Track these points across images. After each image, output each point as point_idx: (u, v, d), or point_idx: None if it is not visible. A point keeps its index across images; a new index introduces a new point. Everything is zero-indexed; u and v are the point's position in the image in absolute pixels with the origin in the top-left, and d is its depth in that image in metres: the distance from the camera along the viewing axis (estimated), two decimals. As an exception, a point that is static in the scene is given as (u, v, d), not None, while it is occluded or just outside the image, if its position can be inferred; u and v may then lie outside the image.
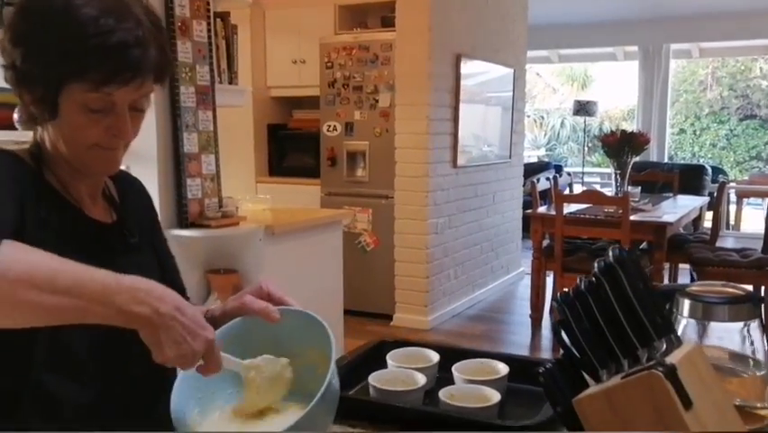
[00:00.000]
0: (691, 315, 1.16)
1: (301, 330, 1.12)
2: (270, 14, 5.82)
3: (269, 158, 6.00)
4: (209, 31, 3.15)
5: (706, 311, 1.15)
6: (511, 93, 6.08)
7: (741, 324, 1.16)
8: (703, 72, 13.37)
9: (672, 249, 4.88)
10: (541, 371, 0.98)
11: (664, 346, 0.95)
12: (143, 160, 3.00)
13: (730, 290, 1.19)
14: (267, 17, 5.84)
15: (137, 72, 1.14)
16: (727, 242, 5.28)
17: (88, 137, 1.16)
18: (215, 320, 1.19)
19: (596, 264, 0.99)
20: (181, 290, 1.45)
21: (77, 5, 1.11)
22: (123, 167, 1.37)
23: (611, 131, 5.08)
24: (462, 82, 5.18)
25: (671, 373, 0.87)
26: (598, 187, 9.76)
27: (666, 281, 5.48)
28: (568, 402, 0.96)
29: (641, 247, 5.08)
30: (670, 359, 0.91)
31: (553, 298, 4.38)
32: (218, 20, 3.31)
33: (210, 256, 3.22)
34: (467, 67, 5.23)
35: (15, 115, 2.92)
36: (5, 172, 1.14)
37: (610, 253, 0.98)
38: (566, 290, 1.02)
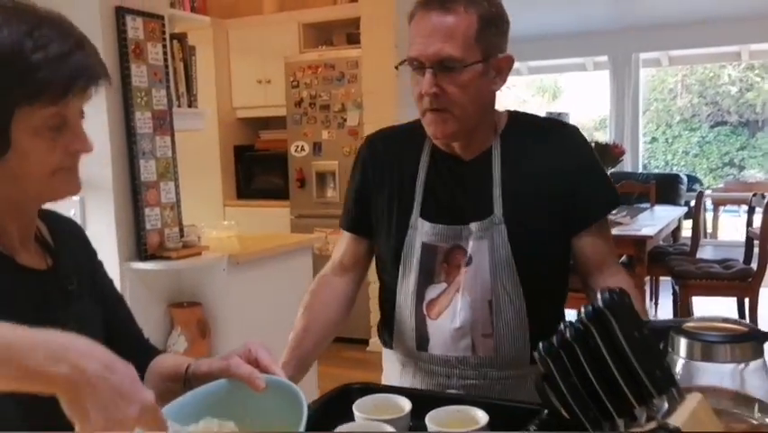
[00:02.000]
0: (689, 356, 1.04)
1: (279, 402, 1.05)
2: (234, 34, 5.69)
3: (237, 180, 5.85)
4: (165, 53, 3.00)
5: (705, 351, 1.03)
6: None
7: (745, 364, 1.05)
8: (672, 80, 13.43)
9: (652, 262, 4.80)
10: (525, 436, 0.85)
11: (666, 405, 0.82)
12: (98, 190, 2.84)
13: (730, 325, 1.07)
14: (230, 37, 5.71)
15: (91, 77, 1.07)
16: (706, 251, 5.22)
17: (51, 162, 1.07)
18: (198, 376, 1.15)
19: (583, 309, 0.86)
20: (135, 336, 1.36)
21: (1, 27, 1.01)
22: (76, 198, 1.26)
23: (585, 143, 5.00)
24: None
25: (676, 438, 0.75)
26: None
27: (648, 296, 5.40)
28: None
29: (621, 261, 4.99)
30: (674, 420, 0.79)
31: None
32: (175, 41, 3.18)
33: (172, 289, 3.06)
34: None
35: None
36: None
37: (599, 297, 0.85)
38: (551, 338, 0.89)
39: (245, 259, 3.08)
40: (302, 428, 0.92)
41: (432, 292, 1.56)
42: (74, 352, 0.81)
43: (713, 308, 4.87)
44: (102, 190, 2.83)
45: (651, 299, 5.51)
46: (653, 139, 13.54)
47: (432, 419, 1.24)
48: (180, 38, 3.21)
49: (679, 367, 1.06)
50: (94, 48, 1.11)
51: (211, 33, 5.40)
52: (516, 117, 1.61)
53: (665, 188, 7.43)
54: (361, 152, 1.70)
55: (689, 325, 1.07)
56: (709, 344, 1.02)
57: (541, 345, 0.87)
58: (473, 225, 1.51)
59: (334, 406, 1.36)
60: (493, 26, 1.47)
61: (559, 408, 0.86)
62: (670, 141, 13.58)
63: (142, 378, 1.25)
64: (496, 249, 1.50)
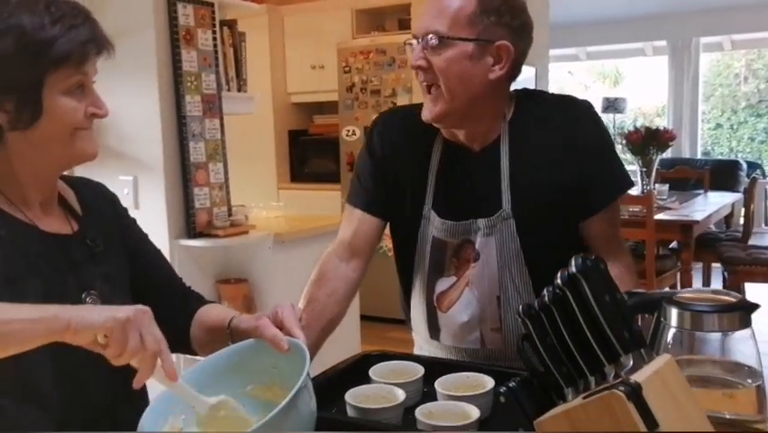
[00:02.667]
0: (679, 324, 1.08)
1: (297, 363, 1.10)
2: (289, 20, 5.80)
3: (291, 164, 5.98)
4: (215, 39, 3.13)
5: (695, 320, 1.07)
6: (533, 92, 5.96)
7: (733, 333, 1.09)
8: (738, 65, 13.03)
9: (702, 248, 4.74)
10: (502, 390, 0.92)
11: (631, 363, 0.88)
12: (150, 170, 2.99)
13: (721, 297, 1.11)
14: (285, 23, 5.82)
15: (102, 43, 1.21)
16: (763, 239, 5.10)
17: (73, 122, 1.19)
18: (238, 333, 1.24)
19: (559, 274, 0.92)
20: (176, 287, 1.46)
21: (21, 12, 1.14)
22: (129, 177, 1.38)
23: (635, 128, 4.95)
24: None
25: (634, 392, 0.80)
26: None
27: (698, 283, 5.32)
28: (531, 424, 0.90)
29: (670, 247, 4.94)
30: (637, 376, 0.84)
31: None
32: (225, 28, 3.29)
33: (219, 266, 3.20)
34: (486, 67, 5.15)
35: None
36: None
37: (572, 263, 0.91)
38: (531, 302, 0.96)
39: (290, 238, 3.19)
40: (301, 378, 0.98)
41: (442, 285, 1.59)
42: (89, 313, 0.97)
43: (765, 294, 4.78)
44: (153, 171, 2.97)
45: (702, 286, 5.44)
46: (718, 125, 13.18)
47: (441, 384, 1.32)
48: (230, 24, 3.33)
49: (670, 336, 1.11)
50: (96, 21, 1.24)
51: (266, 20, 5.52)
52: (523, 101, 1.58)
53: (723, 175, 7.26)
54: (376, 129, 1.68)
55: (680, 295, 1.12)
56: (699, 313, 1.07)
57: (521, 307, 0.94)
58: (481, 222, 1.52)
59: (354, 371, 1.43)
60: (494, 15, 1.45)
61: (536, 365, 0.93)
62: (735, 127, 13.20)
63: (187, 326, 1.36)
64: (504, 244, 1.51)
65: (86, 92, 1.21)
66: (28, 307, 0.97)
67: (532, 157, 1.51)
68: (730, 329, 1.08)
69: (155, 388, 1.30)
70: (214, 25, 3.11)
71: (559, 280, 0.92)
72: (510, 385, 0.92)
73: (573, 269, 0.90)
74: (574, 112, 1.55)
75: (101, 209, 1.38)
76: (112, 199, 1.43)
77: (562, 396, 0.92)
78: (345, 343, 1.46)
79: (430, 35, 1.45)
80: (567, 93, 1.63)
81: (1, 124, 1.16)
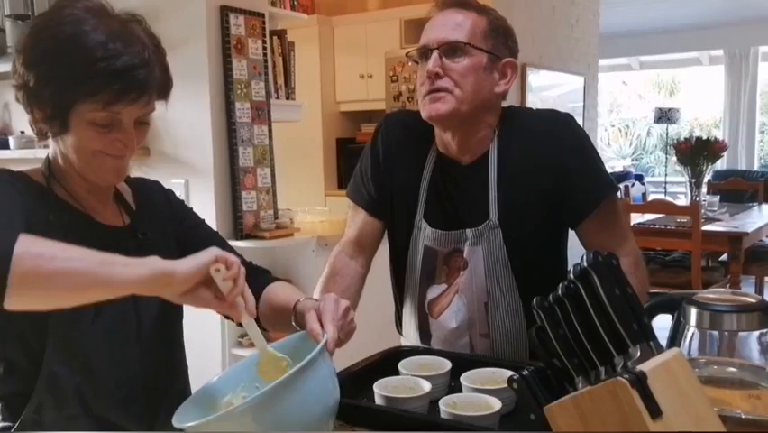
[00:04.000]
0: (698, 324, 1.11)
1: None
2: (339, 31, 5.90)
3: (338, 171, 6.07)
4: (264, 48, 3.23)
5: (713, 320, 1.10)
6: (582, 103, 5.95)
7: (753, 333, 1.11)
8: (799, 75, 12.70)
9: (755, 261, 4.66)
10: (515, 378, 0.96)
11: (638, 354, 0.91)
12: (201, 173, 3.10)
13: (742, 297, 1.13)
14: (336, 34, 5.92)
15: (143, 92, 1.22)
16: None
17: (94, 146, 1.24)
18: (301, 317, 1.28)
19: (571, 269, 0.96)
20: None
21: (86, 32, 1.18)
22: (181, 180, 1.45)
23: (685, 138, 4.90)
24: (529, 93, 5.12)
25: (638, 380, 0.84)
26: (681, 197, 9.41)
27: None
28: (542, 410, 0.93)
29: (720, 259, 4.86)
30: (644, 367, 0.88)
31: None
32: (275, 38, 3.40)
33: (265, 266, 3.27)
34: (534, 77, 5.17)
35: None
36: (9, 187, 1.22)
37: (584, 258, 0.95)
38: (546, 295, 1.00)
39: (333, 240, 3.24)
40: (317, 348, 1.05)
41: (433, 292, 1.65)
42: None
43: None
44: (204, 174, 3.08)
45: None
46: (777, 137, 12.86)
47: (466, 377, 1.36)
48: (280, 34, 3.44)
49: (689, 336, 1.13)
50: (162, 67, 1.27)
51: (317, 30, 5.63)
52: (510, 115, 1.65)
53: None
54: (381, 129, 1.74)
55: (700, 296, 1.14)
56: (718, 313, 1.09)
57: (536, 300, 0.98)
58: (469, 232, 1.58)
59: (385, 364, 1.49)
60: (501, 34, 1.58)
61: (549, 356, 0.97)
62: (795, 139, 12.86)
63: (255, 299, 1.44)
64: (491, 252, 1.56)
65: (116, 128, 1.23)
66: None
67: (518, 169, 1.58)
68: (749, 329, 1.10)
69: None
70: (264, 35, 3.22)
71: (572, 274, 0.96)
72: (523, 373, 0.96)
73: (585, 263, 0.94)
74: (555, 124, 1.61)
75: (156, 205, 1.46)
76: (166, 194, 1.51)
77: (573, 385, 0.95)
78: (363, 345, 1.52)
79: (449, 43, 1.53)
80: (621, 103, 1.69)
81: (41, 124, 1.26)
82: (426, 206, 1.64)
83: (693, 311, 1.11)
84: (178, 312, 1.43)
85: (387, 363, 1.49)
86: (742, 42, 8.84)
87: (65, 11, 1.21)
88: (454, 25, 1.54)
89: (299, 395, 1.00)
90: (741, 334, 1.12)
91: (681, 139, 4.89)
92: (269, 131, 3.24)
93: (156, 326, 1.34)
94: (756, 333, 1.11)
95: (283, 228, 3.19)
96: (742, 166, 8.64)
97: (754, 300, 1.11)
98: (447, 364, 1.43)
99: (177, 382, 1.41)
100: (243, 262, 1.51)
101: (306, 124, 4.11)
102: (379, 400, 1.31)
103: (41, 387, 1.22)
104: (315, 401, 1.04)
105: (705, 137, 5.11)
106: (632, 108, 14.91)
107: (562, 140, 1.58)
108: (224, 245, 1.51)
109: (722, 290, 1.13)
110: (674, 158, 10.26)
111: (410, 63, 1.65)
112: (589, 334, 0.95)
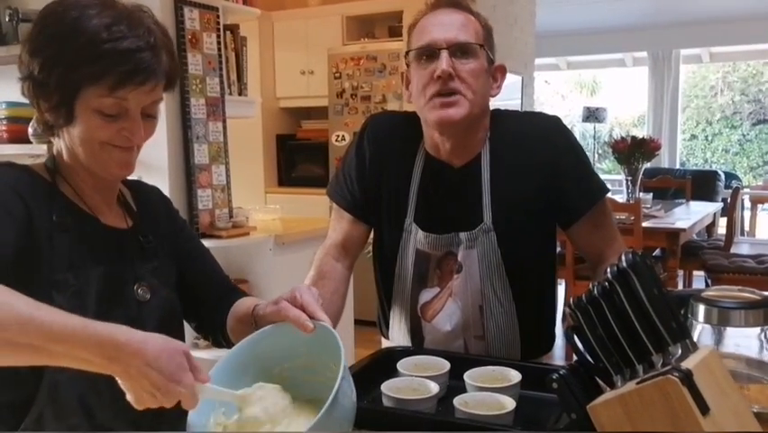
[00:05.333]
0: (707, 320, 1.14)
1: (320, 343, 1.12)
2: (279, 26, 5.84)
3: (279, 168, 6.00)
4: (219, 43, 3.16)
5: (721, 316, 1.13)
6: (519, 101, 6.07)
7: (758, 329, 1.15)
8: (714, 77, 13.29)
9: (686, 256, 4.84)
10: (554, 377, 0.97)
11: (680, 351, 0.93)
12: (154, 171, 3.00)
13: (746, 294, 1.17)
14: (275, 29, 5.85)
15: (149, 75, 1.18)
16: (742, 248, 5.22)
17: (101, 136, 1.19)
18: (260, 318, 1.23)
19: (608, 269, 0.98)
20: (219, 284, 1.48)
21: (90, 15, 1.16)
22: (135, 178, 1.40)
23: (621, 137, 5.05)
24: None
25: (687, 378, 0.86)
26: (609, 194, 9.70)
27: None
28: (583, 409, 0.95)
29: (654, 254, 5.04)
30: (685, 364, 0.90)
31: (566, 304, 4.35)
32: (228, 32, 3.33)
33: (221, 266, 3.21)
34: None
35: (30, 129, 2.94)
36: (8, 187, 1.16)
37: (623, 258, 0.96)
38: (580, 295, 1.01)
39: (290, 240, 3.23)
40: (341, 371, 1.00)
41: (425, 296, 1.64)
42: (124, 351, 0.95)
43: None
44: (158, 171, 2.99)
45: (684, 293, 5.54)
46: (693, 136, 13.42)
47: (470, 376, 1.36)
48: (233, 29, 3.36)
49: (697, 332, 1.17)
50: (169, 53, 1.23)
51: (257, 25, 5.55)
52: (498, 118, 1.64)
53: (702, 185, 7.42)
54: (366, 131, 1.71)
55: (708, 293, 1.18)
56: (726, 310, 1.13)
57: (572, 300, 0.99)
58: (463, 235, 1.57)
59: (381, 365, 1.48)
60: (490, 36, 1.58)
61: (585, 354, 0.98)
62: (710, 138, 13.46)
63: (224, 320, 1.39)
64: (486, 255, 1.56)
65: (126, 117, 1.19)
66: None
67: (510, 172, 1.58)
68: (756, 325, 1.14)
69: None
70: (218, 30, 3.15)
71: (609, 275, 0.97)
72: (561, 373, 0.97)
73: (624, 264, 0.96)
74: (547, 127, 1.62)
75: (155, 209, 1.43)
76: (165, 202, 1.48)
77: (610, 383, 0.97)
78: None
79: (461, 44, 1.51)
80: (544, 102, 1.72)
81: (47, 115, 1.21)
82: (417, 209, 1.62)
83: (702, 308, 1.14)
84: (179, 321, 1.40)
85: (382, 364, 1.48)
86: (664, 45, 9.18)
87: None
88: (460, 25, 1.52)
89: (342, 410, 0.99)
90: (747, 330, 1.16)
91: (604, 138, 5.03)
92: (224, 128, 3.18)
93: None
94: (759, 329, 1.15)
95: (239, 227, 3.13)
96: (665, 164, 8.97)
97: (759, 297, 1.16)
98: (445, 364, 1.43)
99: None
100: (225, 284, 1.49)
101: (245, 120, 4.04)
102: (387, 402, 1.30)
103: (43, 396, 1.17)
104: (349, 412, 1.03)
105: (627, 135, 5.27)
106: (555, 107, 15.31)
107: (555, 142, 1.59)
108: (213, 264, 1.50)
109: (728, 287, 1.17)
110: (597, 155, 10.56)
111: (409, 64, 1.58)
112: (626, 332, 0.96)
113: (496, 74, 1.60)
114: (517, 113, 1.73)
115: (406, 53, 1.59)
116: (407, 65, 1.59)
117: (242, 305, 1.39)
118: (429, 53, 1.52)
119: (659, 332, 0.94)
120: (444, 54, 1.50)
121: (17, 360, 0.97)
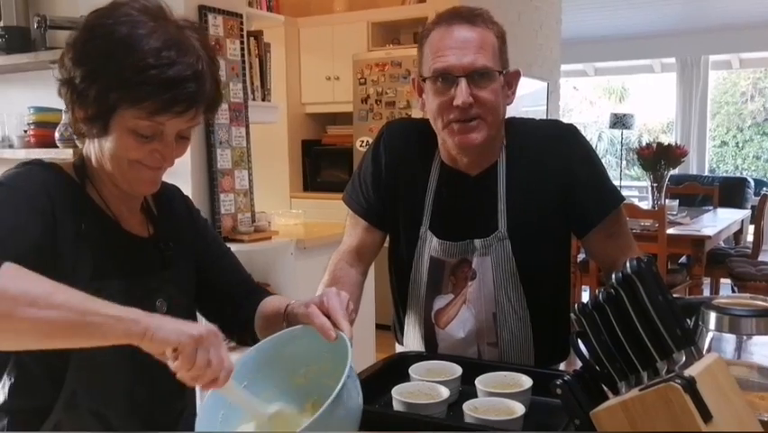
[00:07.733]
0: (717, 328, 1.14)
1: (341, 351, 1.13)
2: (305, 32, 5.88)
3: (304, 173, 6.04)
4: (242, 49, 3.20)
5: (732, 324, 1.13)
6: (545, 107, 6.05)
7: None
8: (745, 83, 13.10)
9: (712, 263, 4.79)
10: (558, 383, 0.97)
11: (684, 359, 0.93)
12: (177, 175, 2.98)
13: (758, 302, 1.17)
14: (301, 35, 5.90)
15: (191, 105, 1.16)
16: (771, 255, 5.17)
17: (132, 154, 1.19)
18: (293, 317, 1.25)
19: (613, 276, 0.98)
20: (242, 283, 1.48)
21: (141, 35, 1.13)
22: None
23: (647, 144, 5.01)
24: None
25: (689, 385, 0.86)
26: (635, 200, 9.62)
27: (706, 296, 5.37)
28: (586, 415, 0.95)
29: (680, 261, 4.99)
30: (689, 371, 0.90)
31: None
32: (252, 39, 3.37)
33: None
34: (500, 81, 5.22)
35: (56, 134, 3.00)
36: (38, 185, 1.17)
37: (628, 265, 0.97)
38: (584, 301, 1.02)
39: (312, 244, 3.25)
40: (346, 371, 1.01)
41: (439, 302, 1.64)
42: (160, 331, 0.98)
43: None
44: (181, 176, 3.01)
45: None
46: (723, 143, 13.24)
47: (481, 382, 1.37)
48: (256, 35, 3.40)
49: (708, 340, 1.16)
50: (213, 81, 1.21)
51: (283, 31, 5.59)
52: (515, 126, 1.64)
53: (731, 192, 7.34)
54: (383, 137, 1.71)
55: (718, 301, 1.17)
56: (736, 317, 1.12)
57: (576, 306, 1.00)
58: (477, 242, 1.57)
59: (393, 370, 1.49)
60: (504, 43, 1.56)
61: (590, 360, 0.98)
62: (740, 145, 13.26)
63: (252, 318, 1.40)
64: (500, 263, 1.57)
65: (157, 138, 1.18)
66: (114, 305, 0.98)
67: (525, 180, 1.58)
68: (766, 333, 1.13)
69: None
70: (242, 36, 3.19)
71: (614, 281, 0.97)
72: (566, 379, 0.98)
73: (628, 270, 0.96)
74: (563, 136, 1.61)
75: (176, 211, 1.43)
76: (186, 201, 1.48)
77: (614, 390, 0.97)
78: (360, 351, 1.46)
79: (478, 69, 1.48)
80: (573, 108, 1.70)
81: (80, 124, 1.20)
82: (432, 217, 1.62)
83: (713, 315, 1.14)
84: None
85: (395, 369, 1.49)
86: (693, 51, 9.09)
87: (121, 9, 1.15)
88: (477, 48, 1.48)
89: (344, 411, 1.00)
90: (757, 337, 1.16)
91: (634, 144, 5.00)
92: (247, 133, 3.21)
93: None
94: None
95: (261, 231, 3.16)
96: (693, 171, 8.88)
97: (771, 305, 1.15)
98: (457, 369, 1.44)
99: (190, 404, 1.39)
100: (248, 283, 1.50)
101: (271, 126, 4.08)
102: (397, 406, 1.31)
103: (61, 405, 1.18)
104: (354, 415, 1.04)
105: (654, 141, 5.22)
106: (583, 113, 15.21)
107: (571, 151, 1.58)
108: (235, 263, 1.50)
109: (738, 294, 1.16)
110: (625, 162, 10.47)
111: (423, 83, 1.55)
112: (631, 339, 0.96)
113: (511, 80, 1.59)
114: (533, 121, 1.72)
115: (419, 67, 1.57)
116: (421, 75, 1.57)
117: (271, 303, 1.40)
118: (444, 78, 1.49)
119: (663, 339, 0.94)
120: (463, 83, 1.47)
121: (53, 340, 0.98)
